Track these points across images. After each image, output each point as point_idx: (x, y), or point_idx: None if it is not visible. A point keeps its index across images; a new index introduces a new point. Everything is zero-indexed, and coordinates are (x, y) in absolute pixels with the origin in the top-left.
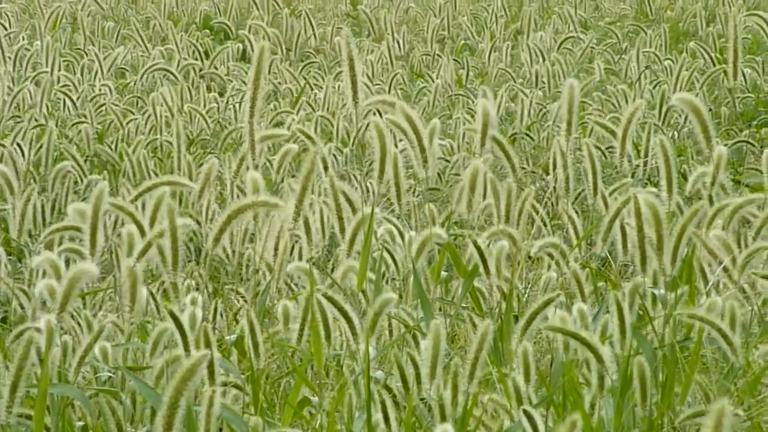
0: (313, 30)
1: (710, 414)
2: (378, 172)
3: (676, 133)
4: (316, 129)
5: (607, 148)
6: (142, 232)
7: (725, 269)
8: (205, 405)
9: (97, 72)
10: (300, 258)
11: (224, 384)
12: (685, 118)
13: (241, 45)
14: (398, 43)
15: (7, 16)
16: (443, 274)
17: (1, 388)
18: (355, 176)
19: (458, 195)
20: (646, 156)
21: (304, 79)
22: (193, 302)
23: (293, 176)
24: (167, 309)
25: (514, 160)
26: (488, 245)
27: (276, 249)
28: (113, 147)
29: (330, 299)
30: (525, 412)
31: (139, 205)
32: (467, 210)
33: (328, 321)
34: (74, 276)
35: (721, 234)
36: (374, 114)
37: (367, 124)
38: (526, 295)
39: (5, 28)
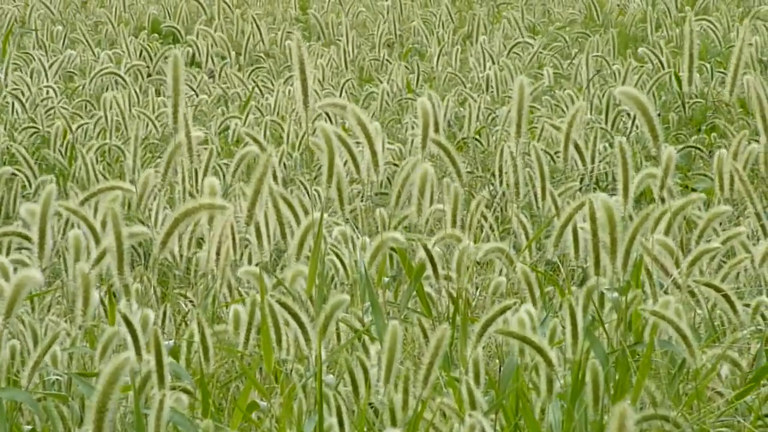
0: (261, 34)
1: (613, 415)
2: (326, 177)
3: (624, 138)
4: (265, 133)
5: (555, 153)
6: (96, 236)
7: (668, 273)
8: (155, 409)
9: (44, 75)
10: (249, 262)
11: (173, 388)
12: (633, 122)
13: (189, 49)
14: (348, 47)
15: None
16: (393, 278)
17: None
18: (302, 181)
19: (408, 199)
20: (593, 160)
21: (254, 82)
22: (131, 309)
23: (244, 181)
24: (120, 313)
25: (459, 164)
26: (433, 246)
27: (218, 253)
28: (63, 152)
29: (282, 304)
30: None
31: (90, 209)
32: (417, 214)
33: (279, 325)
34: (20, 282)
35: (663, 238)
36: (325, 119)
37: (315, 129)
38: (475, 300)
39: None
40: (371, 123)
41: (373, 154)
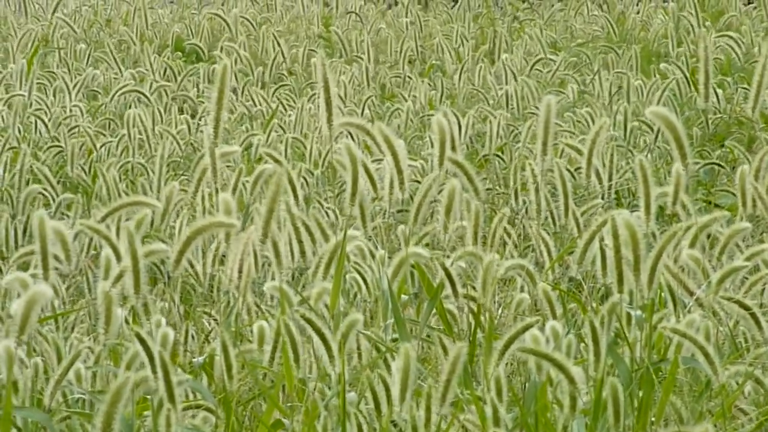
0: (282, 52)
1: None
2: (350, 195)
3: (646, 155)
4: (286, 151)
5: (576, 169)
6: (117, 255)
7: (690, 292)
8: (163, 426)
9: (68, 94)
10: (271, 280)
11: (196, 406)
12: (656, 138)
13: (213, 66)
14: (371, 64)
15: None
16: (415, 295)
17: None
18: (319, 201)
19: (428, 216)
20: (610, 178)
21: (278, 100)
22: (158, 325)
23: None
24: (134, 331)
25: (476, 182)
26: (452, 265)
27: (240, 271)
28: (86, 170)
29: (308, 321)
30: None
31: (114, 227)
32: (444, 231)
33: (296, 343)
34: (31, 298)
35: (693, 253)
36: (346, 136)
37: (338, 147)
38: (497, 317)
39: None
40: (397, 140)
41: (399, 171)
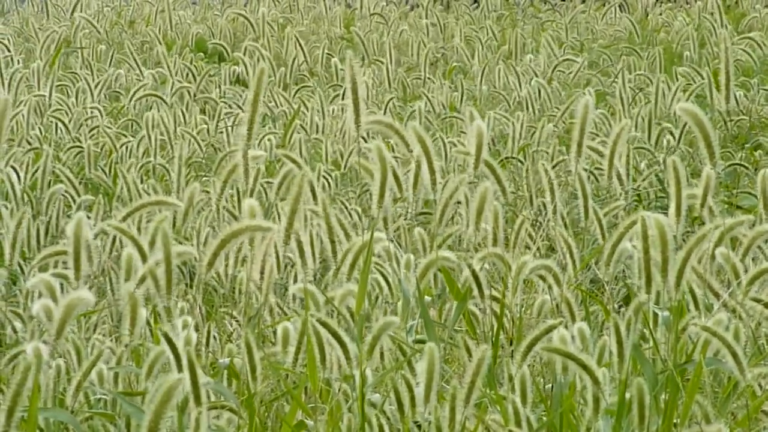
0: (304, 53)
1: None
2: (378, 197)
3: (667, 155)
4: (301, 152)
5: (594, 168)
6: (143, 255)
7: (716, 293)
8: (192, 428)
9: (90, 95)
10: (295, 281)
11: (218, 407)
12: (679, 140)
13: (235, 67)
14: (392, 65)
15: (8, 39)
16: (438, 296)
17: None
18: (342, 201)
19: (463, 218)
20: (635, 179)
21: (301, 101)
22: (185, 325)
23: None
24: (161, 332)
25: (504, 183)
26: (480, 269)
27: (262, 272)
28: (107, 171)
29: (323, 323)
30: None
31: (134, 227)
32: (474, 234)
33: (323, 344)
34: (70, 303)
35: (725, 253)
36: (372, 137)
37: (359, 149)
38: (520, 319)
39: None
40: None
41: (432, 172)
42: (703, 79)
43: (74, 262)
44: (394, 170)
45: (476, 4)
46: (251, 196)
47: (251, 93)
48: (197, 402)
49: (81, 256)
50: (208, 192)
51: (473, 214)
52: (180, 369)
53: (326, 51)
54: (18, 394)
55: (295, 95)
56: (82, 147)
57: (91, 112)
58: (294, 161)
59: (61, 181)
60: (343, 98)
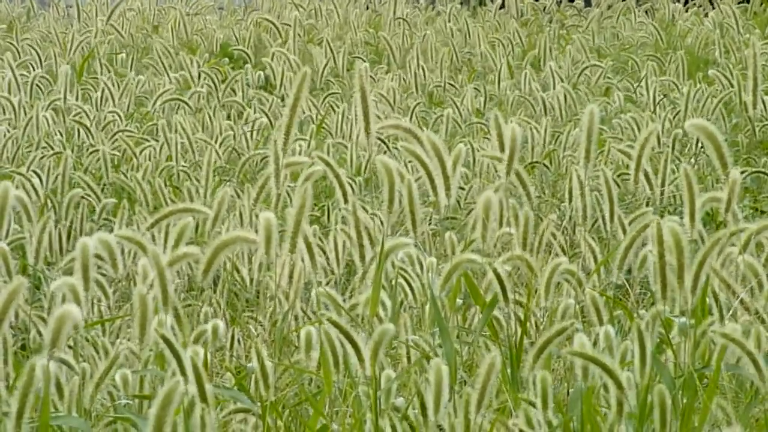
0: (335, 58)
1: None
2: (387, 203)
3: (693, 160)
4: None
5: (619, 175)
6: (158, 264)
7: (739, 298)
8: (199, 426)
9: (113, 100)
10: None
11: (242, 411)
12: (703, 145)
13: (262, 72)
14: (420, 70)
15: (36, 45)
16: (459, 302)
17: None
18: (364, 207)
19: (473, 224)
20: (662, 185)
21: (330, 106)
22: (215, 330)
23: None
24: (159, 333)
25: (529, 187)
26: (508, 275)
27: (291, 277)
28: (129, 175)
29: (336, 325)
30: None
31: (156, 233)
32: (482, 239)
33: (335, 348)
34: (61, 316)
35: (749, 260)
36: (396, 141)
37: (373, 157)
38: (543, 323)
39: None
40: (449, 147)
41: (446, 178)
42: (732, 86)
43: (83, 274)
44: (429, 174)
45: (503, 9)
46: (279, 203)
47: (291, 98)
48: (204, 400)
49: (89, 269)
50: (238, 197)
51: (480, 221)
52: (182, 372)
53: (351, 56)
54: (25, 396)
55: (324, 101)
56: (107, 152)
57: (111, 117)
58: (328, 164)
59: (82, 187)
60: (350, 108)
